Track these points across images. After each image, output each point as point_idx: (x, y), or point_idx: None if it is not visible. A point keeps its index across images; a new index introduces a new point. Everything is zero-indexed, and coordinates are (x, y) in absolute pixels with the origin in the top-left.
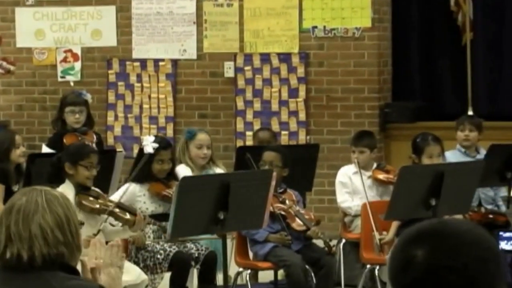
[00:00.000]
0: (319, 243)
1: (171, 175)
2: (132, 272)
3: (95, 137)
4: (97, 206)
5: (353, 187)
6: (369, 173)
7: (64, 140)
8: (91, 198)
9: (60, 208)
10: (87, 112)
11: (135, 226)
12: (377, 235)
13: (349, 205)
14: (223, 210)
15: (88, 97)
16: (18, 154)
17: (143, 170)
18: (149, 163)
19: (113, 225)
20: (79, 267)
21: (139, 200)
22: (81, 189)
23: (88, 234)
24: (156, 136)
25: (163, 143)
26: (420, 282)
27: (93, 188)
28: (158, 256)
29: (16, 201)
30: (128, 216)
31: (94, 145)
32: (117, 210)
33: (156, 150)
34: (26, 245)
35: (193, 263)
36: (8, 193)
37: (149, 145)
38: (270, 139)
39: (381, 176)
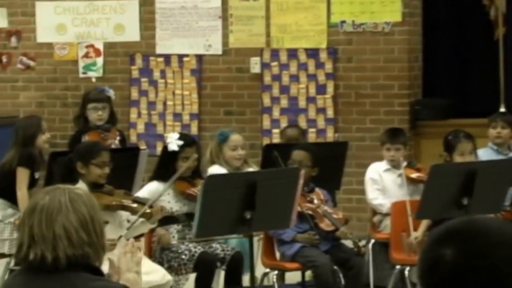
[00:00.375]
0: (348, 243)
1: (197, 173)
2: (157, 273)
3: (118, 134)
4: (113, 202)
5: (383, 185)
6: (399, 171)
7: (87, 138)
8: (105, 195)
9: (84, 207)
10: (110, 109)
11: (153, 218)
12: (413, 234)
13: (381, 203)
14: (249, 209)
15: (111, 93)
16: (44, 140)
17: (168, 168)
18: (173, 161)
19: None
20: (106, 265)
21: (163, 199)
22: (94, 187)
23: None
24: (180, 133)
25: (188, 140)
26: (448, 282)
27: (106, 185)
28: (183, 256)
29: (39, 201)
30: (145, 208)
31: (117, 143)
32: (133, 204)
33: (181, 147)
34: (50, 246)
35: (218, 264)
36: (30, 180)
37: (173, 142)
38: (298, 136)
39: (413, 174)
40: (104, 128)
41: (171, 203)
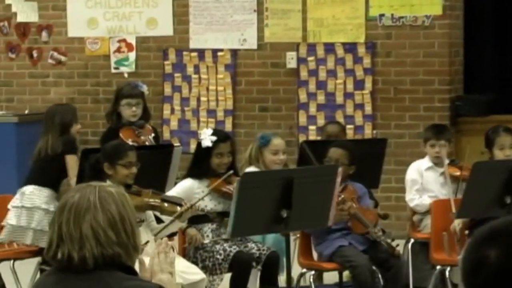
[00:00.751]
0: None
1: (232, 170)
2: (190, 271)
3: (151, 131)
4: (141, 202)
5: (424, 183)
6: (442, 170)
7: (121, 135)
8: (132, 195)
9: (114, 206)
10: (143, 104)
11: (183, 216)
12: (457, 224)
13: (417, 203)
14: (286, 208)
15: (145, 88)
16: (77, 129)
17: (201, 166)
18: (207, 157)
19: (162, 221)
20: (136, 265)
21: (197, 197)
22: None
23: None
24: (214, 129)
25: (221, 136)
26: (492, 284)
27: (134, 185)
28: (218, 256)
29: (69, 199)
30: (174, 207)
31: (151, 139)
32: (161, 203)
33: (214, 143)
34: (77, 245)
35: (254, 263)
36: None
37: (206, 138)
38: (339, 133)
39: (456, 172)
40: (138, 124)
41: (205, 201)
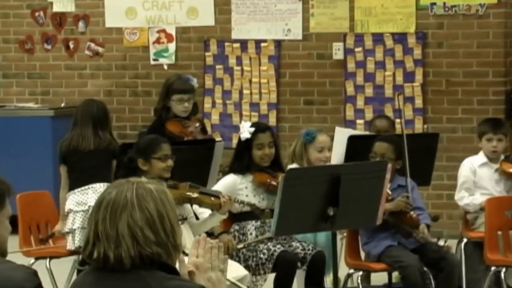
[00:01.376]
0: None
1: (277, 166)
2: (231, 268)
3: (198, 123)
4: (177, 195)
5: (478, 180)
6: (496, 166)
7: (168, 127)
8: (169, 189)
9: (153, 203)
10: (194, 99)
11: (223, 208)
12: None
13: (467, 202)
14: (333, 205)
15: (195, 82)
16: None
17: (243, 160)
18: (248, 150)
19: (197, 219)
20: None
21: (240, 193)
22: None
23: None
24: (253, 123)
25: (260, 126)
26: None
27: (169, 179)
28: (261, 256)
29: (106, 195)
30: (213, 199)
31: (199, 130)
32: (200, 196)
33: (253, 134)
34: (113, 245)
35: (299, 264)
36: None
37: (245, 131)
38: (388, 128)
39: (511, 169)
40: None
41: (249, 196)
